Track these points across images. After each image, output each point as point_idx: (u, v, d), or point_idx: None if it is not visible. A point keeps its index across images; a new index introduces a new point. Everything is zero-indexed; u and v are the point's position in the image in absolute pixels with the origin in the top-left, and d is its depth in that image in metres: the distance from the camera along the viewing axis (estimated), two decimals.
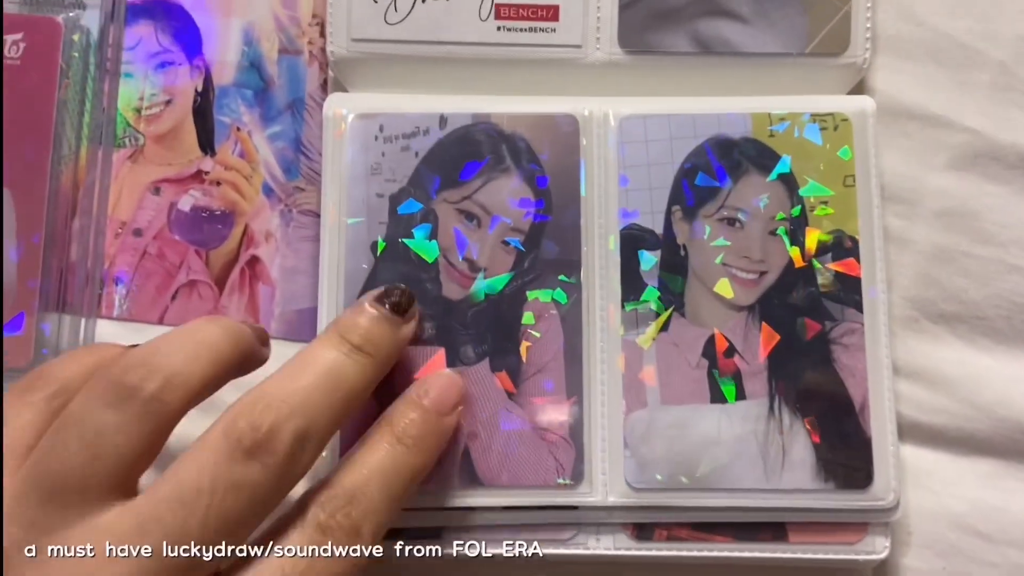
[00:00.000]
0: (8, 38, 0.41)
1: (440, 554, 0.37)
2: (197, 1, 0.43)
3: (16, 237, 0.41)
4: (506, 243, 0.39)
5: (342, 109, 0.40)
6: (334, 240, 0.39)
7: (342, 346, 0.33)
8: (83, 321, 0.42)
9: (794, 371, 0.38)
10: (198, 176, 0.43)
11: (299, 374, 0.32)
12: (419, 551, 0.37)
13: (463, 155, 0.40)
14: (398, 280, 0.39)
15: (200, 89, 0.43)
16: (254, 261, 0.42)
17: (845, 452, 0.37)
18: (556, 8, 0.41)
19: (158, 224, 0.42)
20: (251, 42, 0.43)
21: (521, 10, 0.41)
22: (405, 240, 0.40)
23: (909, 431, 0.41)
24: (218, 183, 0.42)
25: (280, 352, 0.41)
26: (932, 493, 0.40)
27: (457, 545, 0.37)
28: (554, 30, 0.41)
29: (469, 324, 0.39)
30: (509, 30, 0.41)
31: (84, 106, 0.42)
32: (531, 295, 0.39)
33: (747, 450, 0.38)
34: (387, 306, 0.35)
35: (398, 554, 0.37)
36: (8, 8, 0.42)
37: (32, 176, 0.41)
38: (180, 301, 0.42)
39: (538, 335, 0.39)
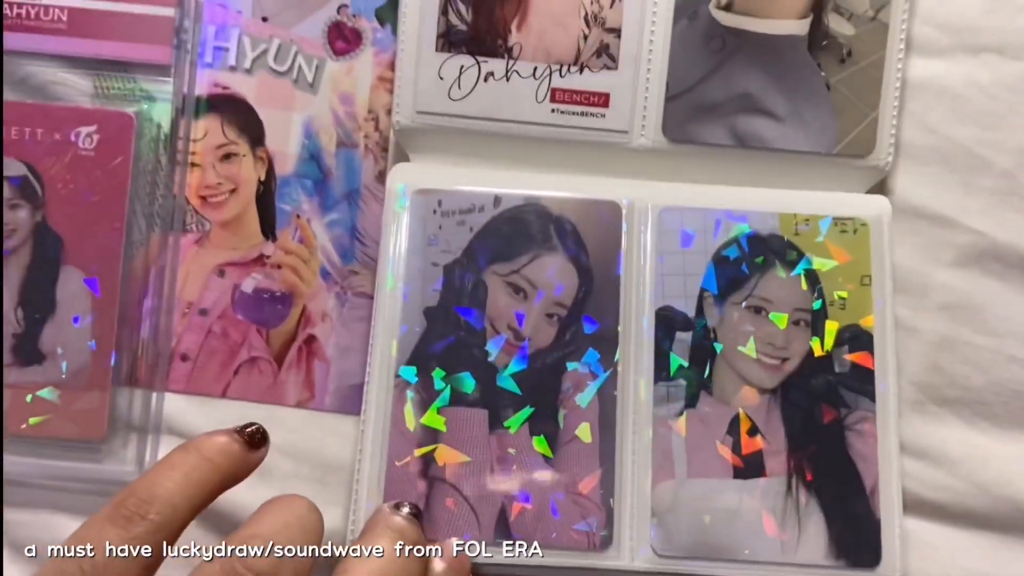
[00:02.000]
0: (83, 130, 0.43)
1: None
2: (260, 96, 0.45)
3: (91, 315, 0.43)
4: (549, 316, 0.41)
5: (404, 183, 0.43)
6: (389, 304, 0.42)
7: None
8: (153, 395, 0.44)
9: (811, 453, 0.41)
10: (260, 260, 0.45)
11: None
12: None
13: (514, 232, 0.42)
14: (448, 344, 0.42)
15: (263, 179, 0.45)
16: (311, 339, 0.44)
17: (856, 532, 0.40)
18: (607, 96, 0.44)
19: (222, 304, 0.44)
20: (311, 135, 0.45)
21: (575, 95, 0.43)
22: (456, 308, 0.42)
23: (915, 506, 0.43)
24: (279, 267, 0.44)
25: (332, 425, 0.43)
26: (937, 564, 0.43)
27: None
28: (604, 116, 0.43)
29: (512, 389, 0.41)
30: (563, 113, 0.43)
31: (155, 194, 0.44)
32: (570, 366, 0.41)
33: (766, 526, 0.40)
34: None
35: None
36: (81, 101, 0.44)
37: (107, 259, 0.43)
38: (242, 376, 0.44)
39: (575, 404, 0.41)
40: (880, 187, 0.45)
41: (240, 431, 0.35)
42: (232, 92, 0.45)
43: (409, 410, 0.40)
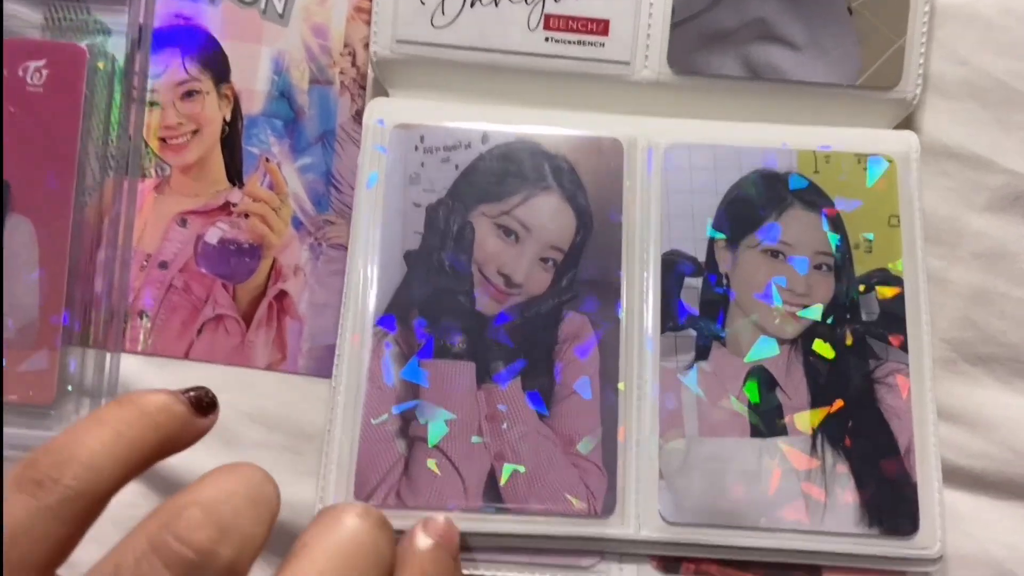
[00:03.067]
0: (30, 64, 0.40)
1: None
2: (225, 28, 0.42)
3: (39, 269, 0.39)
4: (544, 261, 0.38)
5: (383, 117, 0.40)
6: (364, 247, 0.38)
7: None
8: (108, 356, 0.41)
9: (838, 409, 0.37)
10: (226, 208, 0.42)
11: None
12: None
13: (505, 171, 0.39)
14: (431, 291, 0.38)
15: (228, 119, 0.42)
16: (282, 295, 0.41)
17: (890, 496, 0.36)
18: (607, 23, 0.40)
19: (184, 257, 0.41)
20: (281, 71, 0.42)
21: (571, 22, 0.40)
22: (441, 251, 0.38)
23: (949, 475, 0.39)
24: (246, 215, 0.41)
25: (308, 389, 0.40)
26: (971, 538, 0.39)
27: (471, 565, 0.36)
28: (603, 45, 0.40)
29: (502, 340, 0.38)
30: (557, 42, 0.40)
31: (109, 135, 0.41)
32: (568, 315, 0.38)
33: (788, 489, 0.36)
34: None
35: None
36: (30, 33, 0.41)
37: (55, 207, 0.40)
38: (206, 336, 0.41)
39: (573, 355, 0.38)
40: (907, 124, 0.42)
41: (186, 392, 0.30)
42: (194, 23, 0.42)
43: (387, 363, 0.37)
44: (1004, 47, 0.42)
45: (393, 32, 0.40)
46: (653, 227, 0.39)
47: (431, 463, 0.36)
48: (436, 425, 0.37)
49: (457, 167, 0.39)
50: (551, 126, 0.40)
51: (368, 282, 0.38)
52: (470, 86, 0.40)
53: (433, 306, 0.38)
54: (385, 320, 0.38)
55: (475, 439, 0.37)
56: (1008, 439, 0.40)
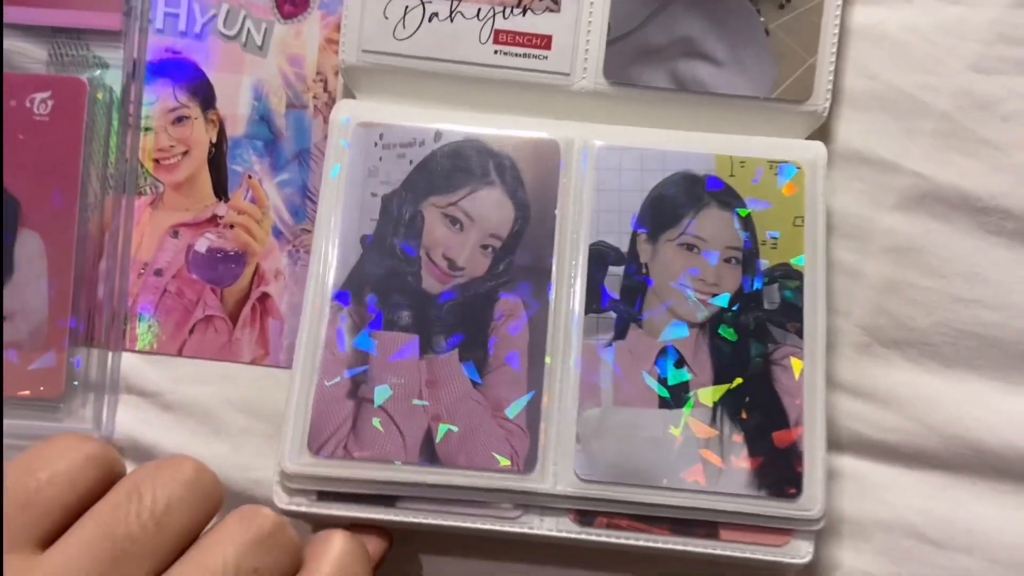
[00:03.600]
0: (36, 96, 0.44)
1: (391, 521, 0.40)
2: (211, 60, 0.46)
3: (47, 278, 0.44)
4: (484, 247, 0.42)
5: (347, 116, 0.44)
6: (327, 231, 0.43)
7: None
8: (110, 355, 0.44)
9: (737, 386, 0.41)
10: (213, 220, 0.45)
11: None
12: (372, 516, 0.40)
13: (453, 167, 0.43)
14: (383, 272, 0.42)
15: (214, 141, 0.46)
16: (264, 297, 0.45)
17: (778, 464, 0.40)
18: (550, 38, 0.45)
19: (177, 264, 0.45)
20: (261, 97, 0.45)
21: (518, 37, 0.44)
22: (393, 237, 0.43)
23: (866, 448, 0.43)
24: (231, 226, 0.45)
25: (286, 381, 0.41)
26: (887, 505, 0.43)
27: (408, 514, 0.40)
28: (546, 58, 0.44)
29: (443, 316, 0.42)
30: (505, 54, 0.44)
31: (108, 158, 0.45)
32: (503, 296, 0.42)
33: (689, 454, 0.40)
34: None
35: (353, 516, 0.40)
36: (36, 68, 0.46)
37: (61, 222, 0.44)
38: (197, 335, 0.45)
39: (506, 332, 0.42)
40: (821, 133, 0.46)
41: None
42: (183, 57, 0.46)
43: (342, 333, 0.41)
44: (910, 63, 0.46)
45: (359, 43, 0.45)
46: (584, 220, 0.43)
47: (376, 421, 0.40)
48: (381, 388, 0.41)
49: (411, 162, 0.43)
50: (497, 128, 0.45)
51: (328, 262, 0.42)
52: (427, 92, 0.45)
53: (384, 284, 0.42)
54: (341, 295, 0.41)
55: (416, 402, 0.40)
56: (919, 414, 0.44)
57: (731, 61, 0.45)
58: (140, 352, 0.45)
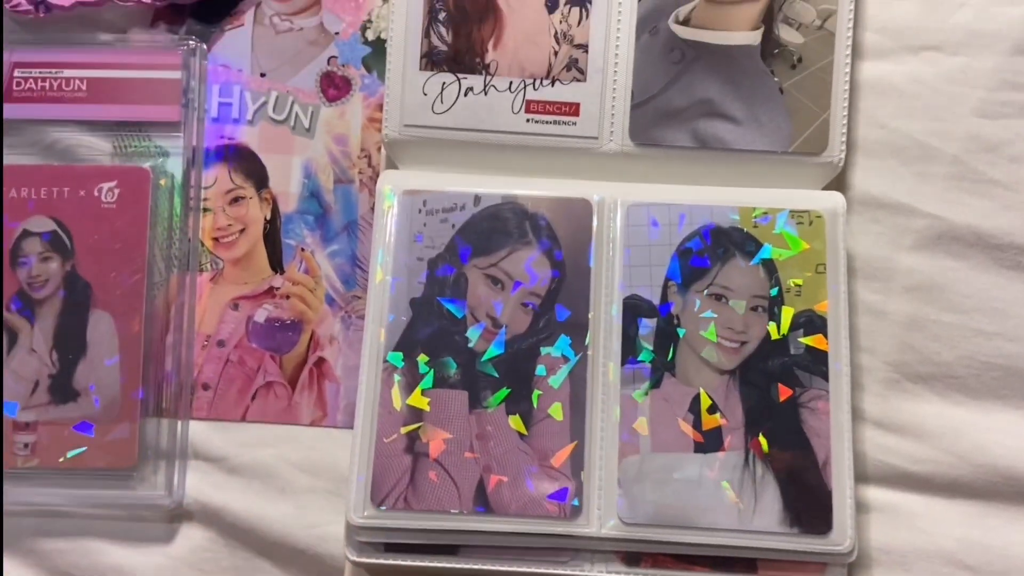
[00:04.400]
0: (104, 185, 0.47)
1: (454, 569, 0.43)
2: (262, 143, 0.48)
3: (119, 354, 0.46)
4: (525, 305, 0.45)
5: (392, 186, 0.47)
6: (379, 296, 0.45)
7: None
8: (179, 424, 0.46)
9: (767, 429, 0.44)
10: (270, 292, 0.47)
11: None
12: (436, 565, 0.42)
13: (493, 228, 0.46)
14: (432, 332, 0.45)
15: (269, 217, 0.48)
16: (321, 362, 0.47)
17: (808, 502, 0.42)
18: (578, 105, 0.47)
19: (238, 335, 0.47)
20: (310, 175, 0.48)
21: (548, 106, 0.47)
22: (439, 299, 0.46)
23: (900, 480, 0.45)
24: (287, 297, 0.47)
25: (345, 440, 0.43)
26: (924, 534, 0.45)
27: (469, 562, 0.42)
28: (575, 123, 0.47)
29: (489, 373, 0.44)
30: (537, 122, 0.47)
31: (172, 239, 0.47)
32: (544, 351, 0.44)
33: (724, 496, 0.43)
34: None
35: (419, 566, 0.42)
36: (102, 160, 0.48)
37: (130, 301, 0.45)
38: (259, 400, 0.46)
39: (548, 385, 0.44)
40: (838, 183, 0.48)
41: None
42: (237, 142, 0.48)
43: (396, 392, 0.44)
44: (916, 111, 0.48)
45: (401, 118, 0.47)
46: (617, 275, 0.45)
47: (432, 474, 0.43)
48: (436, 443, 0.44)
49: (454, 226, 0.45)
50: (532, 190, 0.47)
51: (381, 325, 0.45)
52: (465, 160, 0.47)
53: (433, 344, 0.44)
54: (394, 356, 0.44)
55: (468, 455, 0.43)
56: (949, 445, 0.45)
57: (748, 119, 0.47)
58: (206, 419, 0.47)
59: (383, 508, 0.42)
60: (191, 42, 0.49)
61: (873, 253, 0.47)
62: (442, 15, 0.47)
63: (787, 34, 0.47)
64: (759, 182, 0.47)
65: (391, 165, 0.49)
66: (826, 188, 0.48)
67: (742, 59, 0.47)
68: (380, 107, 0.48)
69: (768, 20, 0.47)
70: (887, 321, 0.47)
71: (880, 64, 0.48)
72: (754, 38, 0.47)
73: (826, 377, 0.44)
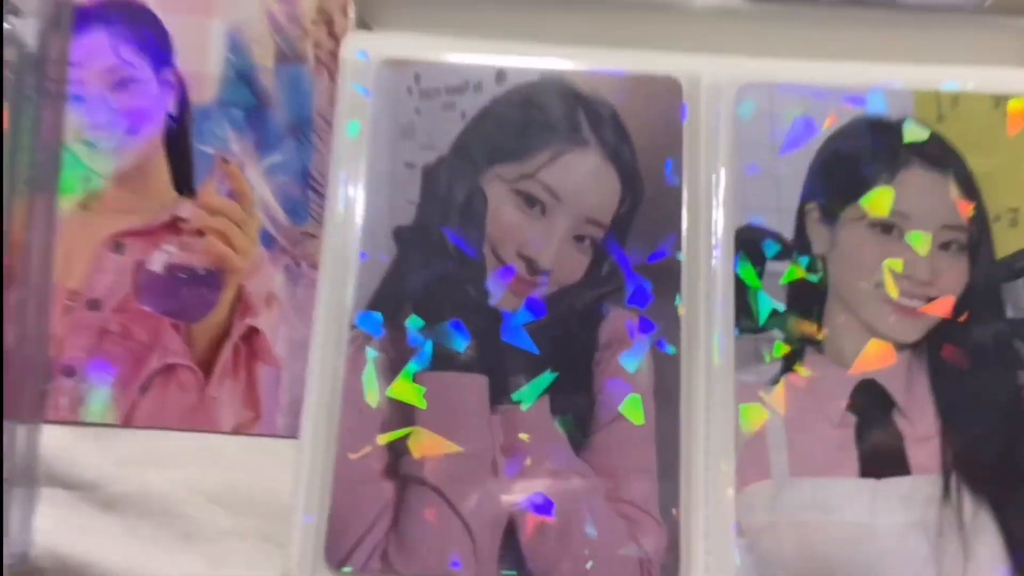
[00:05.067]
0: None
1: None
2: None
3: None
4: (580, 239, 0.32)
5: (365, 52, 0.33)
6: (343, 223, 0.32)
7: None
8: (23, 429, 0.34)
9: (978, 438, 0.30)
10: (173, 226, 0.36)
11: None
12: None
13: (526, 120, 0.33)
14: (429, 280, 0.31)
15: (173, 111, 0.37)
16: (252, 334, 0.36)
17: None
18: None
19: (121, 292, 0.36)
20: (238, 48, 0.38)
21: None
22: (442, 227, 0.31)
23: None
24: (200, 233, 0.36)
25: (287, 456, 0.32)
26: None
27: None
28: None
29: (524, 346, 0.31)
30: None
31: (20, 141, 0.36)
32: (610, 312, 0.31)
33: (913, 548, 0.29)
34: None
35: None
36: None
37: None
38: (154, 394, 0.35)
39: (618, 366, 0.30)
40: None
41: None
42: None
43: (370, 376, 0.31)
44: None
45: None
46: (723, 193, 0.32)
47: (429, 512, 0.29)
48: (436, 462, 0.29)
49: (464, 115, 0.33)
50: (586, 63, 0.33)
51: (346, 270, 0.31)
52: (479, 18, 0.34)
53: (432, 300, 0.32)
54: (367, 319, 0.31)
55: (488, 479, 0.30)
56: None
57: None
58: (69, 423, 0.35)
59: (348, 570, 0.29)
60: None
61: None
62: None
63: None
64: (935, 54, 0.34)
65: (363, 27, 0.35)
66: None
67: None
68: None
69: None
70: None
71: None
72: None
73: None
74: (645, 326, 0.31)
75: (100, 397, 0.35)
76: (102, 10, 0.38)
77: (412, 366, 0.30)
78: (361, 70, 0.33)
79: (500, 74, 0.33)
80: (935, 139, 0.32)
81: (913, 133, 0.32)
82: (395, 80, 0.33)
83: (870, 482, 0.29)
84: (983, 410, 0.30)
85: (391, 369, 0.31)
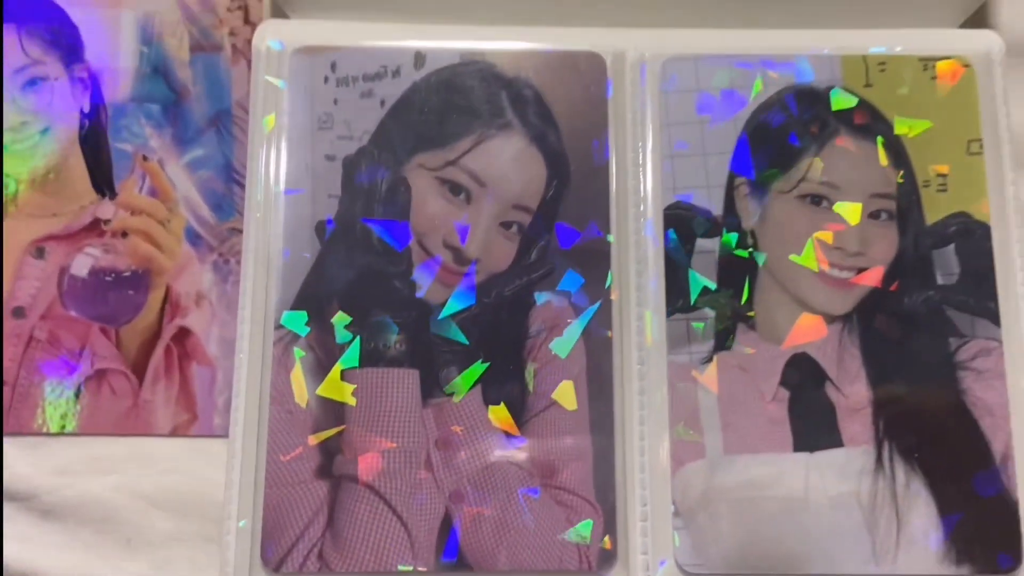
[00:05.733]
0: None
1: None
2: None
3: None
4: (506, 225, 0.30)
5: (278, 40, 0.31)
6: (263, 220, 0.30)
7: None
8: None
9: (910, 407, 0.29)
10: (95, 228, 0.34)
11: None
12: None
13: (448, 105, 0.31)
14: (354, 275, 0.29)
15: (87, 109, 0.35)
16: (183, 335, 0.33)
17: (983, 522, 0.28)
18: None
19: (46, 298, 0.33)
20: (151, 40, 0.35)
21: None
22: (365, 220, 0.30)
23: None
24: (124, 234, 0.34)
25: (225, 455, 0.29)
26: None
27: None
28: None
29: (454, 337, 0.29)
30: None
31: None
32: (541, 298, 0.30)
33: (847, 519, 0.28)
34: None
35: None
36: None
37: None
38: (87, 401, 0.33)
39: (550, 353, 0.29)
40: (976, 23, 0.33)
41: None
42: None
43: (298, 376, 0.29)
44: None
45: None
46: (651, 170, 0.30)
47: (363, 509, 0.28)
48: (369, 459, 0.28)
49: (383, 102, 0.31)
50: (508, 41, 0.32)
51: (269, 267, 0.30)
52: (397, 4, 0.31)
53: (358, 296, 0.30)
54: (292, 318, 0.29)
55: (422, 474, 0.28)
56: None
57: None
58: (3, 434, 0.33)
59: (283, 571, 0.27)
60: None
61: None
62: None
63: None
64: (863, 18, 0.32)
65: (279, 14, 0.33)
66: (963, 27, 0.33)
67: None
68: None
69: None
70: None
71: None
72: None
73: (996, 319, 0.30)
74: (576, 309, 0.29)
75: (30, 405, 0.33)
76: (7, 7, 0.35)
77: (342, 363, 0.29)
78: (275, 60, 0.30)
79: (418, 57, 0.31)
80: (863, 106, 0.31)
81: (841, 101, 0.30)
82: (310, 69, 0.31)
83: (803, 456, 0.28)
84: (914, 379, 0.29)
85: (320, 368, 0.29)
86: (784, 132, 0.30)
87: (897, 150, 0.30)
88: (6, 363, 0.33)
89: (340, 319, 0.29)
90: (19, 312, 0.33)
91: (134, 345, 0.33)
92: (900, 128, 0.30)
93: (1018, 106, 0.32)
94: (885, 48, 0.31)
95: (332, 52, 0.31)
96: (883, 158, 0.30)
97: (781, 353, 0.29)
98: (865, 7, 0.31)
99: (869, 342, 0.29)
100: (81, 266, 0.34)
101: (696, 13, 0.32)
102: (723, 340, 0.29)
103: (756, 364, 0.29)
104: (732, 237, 0.30)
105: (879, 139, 0.30)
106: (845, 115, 0.31)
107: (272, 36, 0.31)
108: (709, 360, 0.29)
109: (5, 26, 0.35)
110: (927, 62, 0.31)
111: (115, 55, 0.35)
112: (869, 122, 0.30)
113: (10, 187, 0.34)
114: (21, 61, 0.34)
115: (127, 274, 0.33)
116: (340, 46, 0.31)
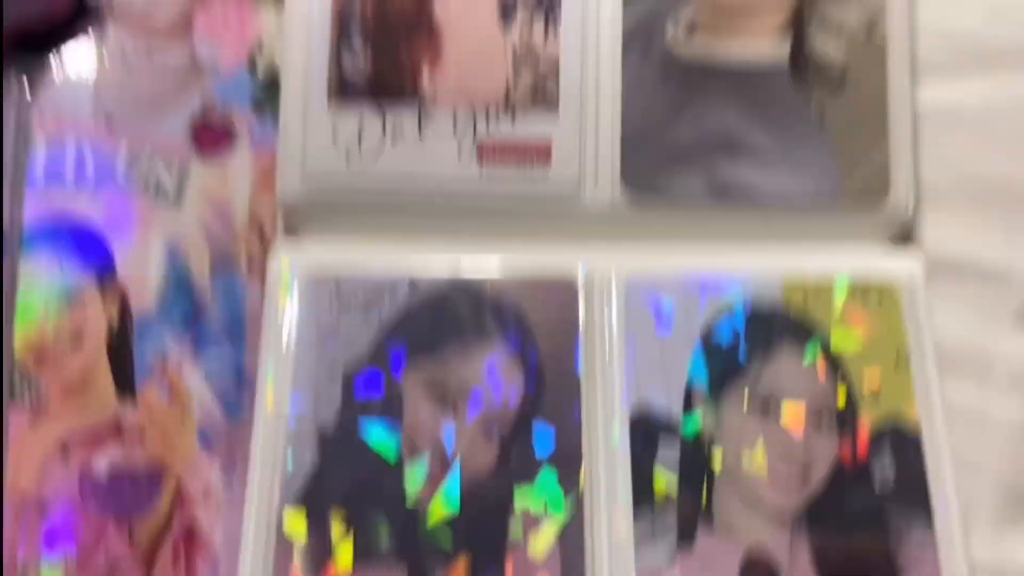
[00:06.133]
0: None
1: None
2: (109, 218, 0.37)
3: None
4: (487, 432, 0.32)
5: (292, 265, 0.34)
6: (271, 424, 0.32)
7: None
8: None
9: None
10: (115, 427, 0.35)
11: None
12: None
13: (437, 323, 0.34)
14: (351, 482, 0.31)
15: (115, 322, 0.36)
16: (191, 529, 0.34)
17: None
18: (548, 146, 0.35)
19: (67, 494, 0.35)
20: (177, 260, 0.37)
21: (507, 150, 0.35)
22: (361, 428, 0.32)
23: None
24: (142, 433, 0.35)
25: None
26: None
27: None
28: (546, 172, 0.35)
29: (439, 536, 0.31)
30: (494, 173, 0.35)
31: None
32: (519, 501, 0.31)
33: None
34: None
35: None
36: None
37: None
38: None
39: (529, 553, 0.31)
40: (903, 240, 0.37)
41: None
42: (71, 216, 0.37)
43: (298, 571, 0.31)
44: (996, 142, 0.36)
45: (302, 172, 0.35)
46: (617, 381, 0.33)
47: None
48: None
49: (381, 321, 0.34)
50: (492, 266, 0.35)
51: (275, 469, 0.32)
52: (393, 227, 0.35)
53: (355, 495, 0.32)
54: (293, 516, 0.31)
55: None
56: None
57: (780, 157, 0.35)
58: None
59: None
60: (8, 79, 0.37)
61: (960, 336, 0.35)
62: (357, 31, 0.35)
63: (824, 44, 0.35)
64: (798, 241, 0.36)
65: (290, 232, 0.36)
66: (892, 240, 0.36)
67: (767, 78, 0.35)
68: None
69: (798, 26, 0.35)
70: (991, 430, 0.35)
71: (944, 84, 0.37)
72: (779, 48, 0.35)
73: (930, 512, 0.32)
74: (551, 510, 0.31)
75: None
76: (49, 230, 0.37)
77: (335, 561, 0.30)
78: (287, 283, 0.34)
79: (412, 285, 0.34)
80: (803, 322, 0.33)
81: (781, 319, 0.33)
82: (317, 292, 0.34)
83: None
84: (859, 574, 0.31)
85: (317, 564, 0.30)
86: (733, 347, 0.33)
87: (834, 364, 0.33)
88: (29, 551, 0.34)
89: (338, 517, 0.31)
90: (42, 506, 0.34)
91: (145, 538, 0.34)
92: (836, 344, 0.33)
93: (941, 316, 0.35)
94: (820, 271, 0.34)
95: (338, 279, 0.34)
96: (821, 371, 0.33)
97: (737, 550, 0.31)
98: (803, 232, 0.35)
99: (817, 540, 0.31)
100: (101, 466, 0.35)
101: (652, 237, 0.35)
102: (686, 538, 0.31)
103: (715, 561, 0.31)
104: (691, 441, 0.32)
105: (818, 353, 0.33)
106: (787, 331, 0.33)
107: (286, 261, 0.34)
108: (672, 560, 0.31)
109: (47, 246, 0.37)
110: (855, 285, 0.34)
111: (143, 273, 0.37)
112: (808, 338, 0.33)
113: (42, 392, 0.35)
114: (59, 280, 0.36)
115: (143, 471, 0.35)
116: (343, 273, 0.34)
